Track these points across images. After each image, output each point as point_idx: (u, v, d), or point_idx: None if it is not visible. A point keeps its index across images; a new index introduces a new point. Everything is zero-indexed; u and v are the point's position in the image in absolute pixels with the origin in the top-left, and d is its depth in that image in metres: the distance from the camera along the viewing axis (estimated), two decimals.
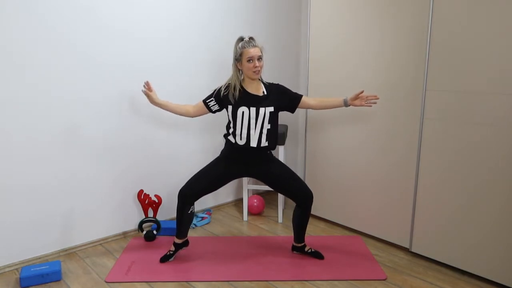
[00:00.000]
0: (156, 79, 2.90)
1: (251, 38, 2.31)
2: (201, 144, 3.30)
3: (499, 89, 2.15)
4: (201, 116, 3.20)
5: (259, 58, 2.28)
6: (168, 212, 3.15)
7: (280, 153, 3.08)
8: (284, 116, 3.84)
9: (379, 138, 2.75)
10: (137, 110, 2.84)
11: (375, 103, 2.37)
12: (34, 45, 2.33)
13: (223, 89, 2.38)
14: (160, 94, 2.92)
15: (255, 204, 3.31)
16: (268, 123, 2.34)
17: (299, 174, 4.05)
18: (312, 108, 2.49)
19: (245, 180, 3.19)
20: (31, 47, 2.32)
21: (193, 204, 2.41)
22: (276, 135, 2.42)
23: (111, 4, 2.60)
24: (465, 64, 2.27)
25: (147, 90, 2.37)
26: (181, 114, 2.47)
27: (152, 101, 2.40)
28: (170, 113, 3.00)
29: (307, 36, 3.14)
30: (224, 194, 3.56)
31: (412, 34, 2.48)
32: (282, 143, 3.05)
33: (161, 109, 2.93)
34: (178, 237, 2.50)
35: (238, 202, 3.65)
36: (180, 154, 3.16)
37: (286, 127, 3.31)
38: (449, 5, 2.29)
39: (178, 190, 3.13)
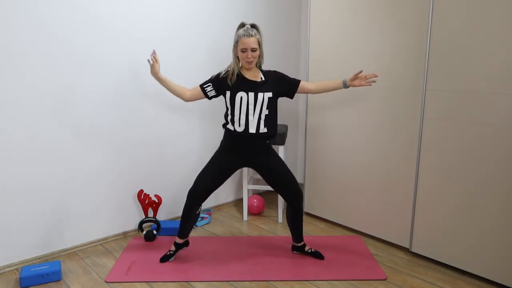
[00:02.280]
0: None
1: (252, 26, 2.29)
2: (202, 143, 3.30)
3: (499, 89, 2.15)
4: (202, 115, 3.23)
5: (254, 49, 2.28)
6: (168, 212, 3.15)
7: (280, 153, 3.08)
8: (284, 116, 3.85)
9: (379, 138, 2.75)
10: (137, 110, 2.84)
11: (374, 81, 2.44)
12: (34, 45, 2.33)
13: (222, 73, 2.39)
14: (160, 94, 2.94)
15: (255, 204, 3.31)
16: (267, 109, 2.34)
17: (299, 174, 4.05)
18: (311, 93, 2.51)
19: (245, 180, 3.19)
20: (31, 47, 2.32)
21: (201, 204, 2.42)
22: (275, 122, 2.42)
23: (111, 4, 2.60)
24: (465, 64, 2.27)
25: (154, 60, 2.33)
26: (176, 95, 2.43)
27: (155, 72, 2.35)
28: (176, 113, 3.02)
29: (307, 36, 3.14)
30: (224, 194, 3.56)
31: (412, 34, 2.48)
32: (282, 143, 3.05)
33: (163, 110, 2.96)
34: (180, 236, 2.50)
35: (238, 202, 3.65)
36: (180, 153, 3.16)
37: (286, 127, 3.31)
38: (449, 5, 2.29)
39: (178, 190, 3.16)
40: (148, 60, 2.33)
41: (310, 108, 3.17)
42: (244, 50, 2.28)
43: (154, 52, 2.33)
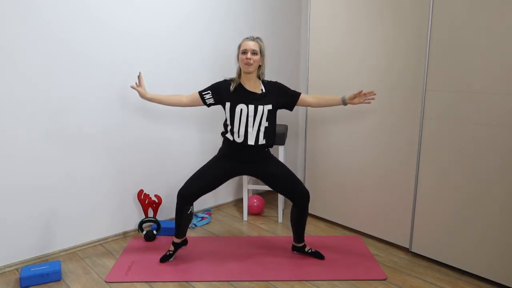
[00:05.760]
0: (157, 79, 2.90)
1: (257, 37, 2.35)
2: (202, 144, 3.30)
3: (499, 89, 2.15)
4: (201, 116, 3.23)
5: (254, 53, 2.29)
6: (168, 212, 3.15)
7: (280, 153, 3.08)
8: (284, 116, 3.84)
9: (379, 138, 2.75)
10: (137, 110, 2.84)
11: (373, 99, 2.39)
12: (34, 45, 2.33)
13: (227, 79, 2.40)
14: (160, 93, 2.93)
15: (255, 204, 3.31)
16: (266, 121, 2.34)
17: (299, 174, 4.05)
18: (310, 106, 2.50)
19: (245, 180, 3.19)
20: (31, 47, 2.32)
21: (192, 204, 2.41)
22: (274, 133, 2.42)
23: (111, 4, 2.60)
24: (465, 64, 2.27)
25: (137, 86, 2.39)
26: (173, 105, 2.45)
27: (142, 96, 2.40)
28: (176, 114, 3.02)
29: (307, 39, 3.14)
30: (224, 194, 3.56)
31: (412, 34, 2.48)
32: (282, 143, 3.05)
33: (163, 110, 2.96)
34: (177, 236, 2.50)
35: (238, 202, 3.65)
36: (180, 154, 3.16)
37: (286, 127, 3.31)
38: (449, 5, 2.29)
39: (178, 190, 3.15)
40: (131, 87, 2.39)
41: (310, 108, 3.17)
42: (244, 52, 2.29)
43: (138, 76, 2.39)
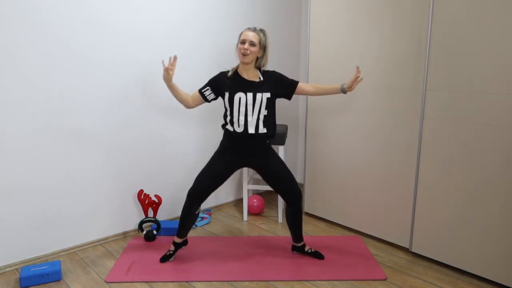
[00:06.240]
0: (157, 79, 2.90)
1: (261, 29, 2.35)
2: (202, 144, 3.30)
3: (499, 89, 2.15)
4: (201, 115, 3.23)
5: (252, 44, 2.29)
6: (168, 212, 3.15)
7: (280, 153, 3.08)
8: (284, 116, 3.85)
9: (379, 138, 2.75)
10: (137, 110, 2.84)
11: (359, 72, 2.31)
12: (34, 45, 2.33)
13: (221, 76, 2.40)
14: (160, 95, 2.94)
15: (255, 204, 3.31)
16: (265, 109, 2.34)
17: (299, 174, 4.05)
18: (309, 94, 2.50)
19: (245, 180, 3.19)
20: (31, 47, 2.32)
21: (200, 204, 2.42)
22: (274, 122, 2.42)
23: (111, 4, 2.60)
24: (465, 64, 2.27)
25: (170, 66, 2.26)
26: (181, 102, 2.44)
27: (168, 79, 2.29)
28: (176, 114, 3.02)
29: (307, 38, 3.14)
30: (224, 194, 3.56)
31: (412, 34, 2.48)
32: (282, 143, 3.05)
33: (163, 110, 2.96)
34: (178, 236, 2.50)
35: (238, 202, 3.65)
36: (180, 153, 3.16)
37: (286, 127, 3.31)
38: (449, 5, 2.29)
39: (178, 190, 3.16)
40: (163, 62, 2.27)
41: (310, 108, 3.17)
42: (242, 42, 2.30)
43: (174, 58, 2.27)
